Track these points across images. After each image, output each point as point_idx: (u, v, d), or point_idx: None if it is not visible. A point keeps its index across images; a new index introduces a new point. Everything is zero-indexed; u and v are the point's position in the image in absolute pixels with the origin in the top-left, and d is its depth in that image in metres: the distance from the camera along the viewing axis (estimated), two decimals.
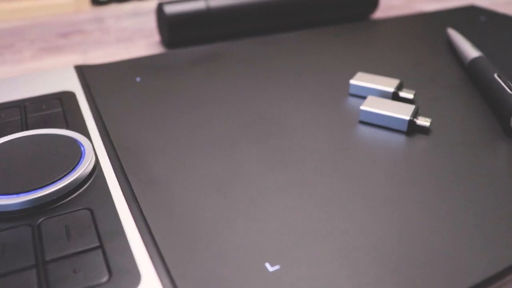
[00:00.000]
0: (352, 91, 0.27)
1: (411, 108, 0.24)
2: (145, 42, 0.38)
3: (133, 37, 0.40)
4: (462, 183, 0.20)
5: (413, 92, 0.26)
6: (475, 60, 0.30)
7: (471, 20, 0.41)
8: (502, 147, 0.23)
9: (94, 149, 0.22)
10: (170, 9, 0.35)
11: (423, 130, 0.24)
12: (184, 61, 0.32)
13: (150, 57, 0.33)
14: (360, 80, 0.27)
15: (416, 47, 0.35)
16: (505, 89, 0.25)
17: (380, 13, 0.45)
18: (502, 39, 0.37)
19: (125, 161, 0.22)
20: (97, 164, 0.21)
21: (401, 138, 0.23)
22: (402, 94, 0.26)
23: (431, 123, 0.24)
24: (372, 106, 0.24)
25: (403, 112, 0.24)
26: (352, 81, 0.27)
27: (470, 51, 0.31)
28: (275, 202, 0.19)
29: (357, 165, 0.21)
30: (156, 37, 0.39)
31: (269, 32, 0.39)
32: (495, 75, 0.27)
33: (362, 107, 0.24)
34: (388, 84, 0.26)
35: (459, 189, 0.20)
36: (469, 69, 0.30)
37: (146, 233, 0.18)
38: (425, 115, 0.25)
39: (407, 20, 0.41)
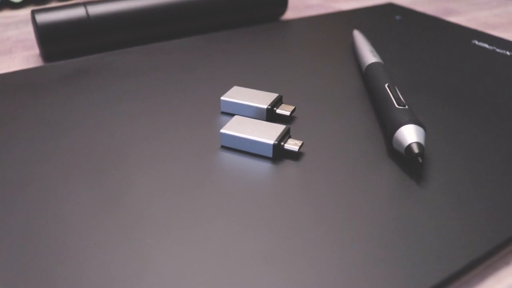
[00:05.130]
0: (224, 109, 0.24)
1: (280, 129, 0.21)
2: (24, 55, 0.34)
3: (13, 49, 0.35)
4: (332, 217, 0.17)
5: (292, 108, 0.23)
6: (370, 66, 0.27)
7: (386, 19, 0.38)
8: (383, 171, 0.20)
9: None
10: (42, 17, 0.31)
11: (293, 155, 0.20)
12: (53, 78, 0.28)
13: (14, 73, 0.29)
14: (233, 96, 0.23)
15: (317, 51, 0.31)
16: (392, 102, 0.22)
17: (295, 13, 0.42)
18: (414, 40, 0.34)
19: None
20: None
21: (265, 166, 0.20)
22: (279, 110, 0.23)
23: (301, 146, 0.20)
24: (234, 128, 0.21)
25: (268, 135, 0.20)
26: (223, 98, 0.23)
27: (368, 56, 0.28)
28: (88, 258, 0.15)
29: (208, 204, 0.18)
30: (38, 49, 0.35)
31: (163, 38, 0.35)
32: (386, 85, 0.24)
33: (223, 131, 0.21)
34: (264, 100, 0.23)
35: (328, 224, 0.16)
36: (365, 77, 0.27)
37: None
38: (301, 135, 0.22)
39: (319, 20, 0.37)
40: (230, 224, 0.17)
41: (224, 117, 0.23)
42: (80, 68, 0.29)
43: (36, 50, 0.35)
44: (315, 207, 0.18)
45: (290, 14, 0.42)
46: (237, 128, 0.21)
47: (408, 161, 0.20)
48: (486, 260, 0.16)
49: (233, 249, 0.16)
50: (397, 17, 0.38)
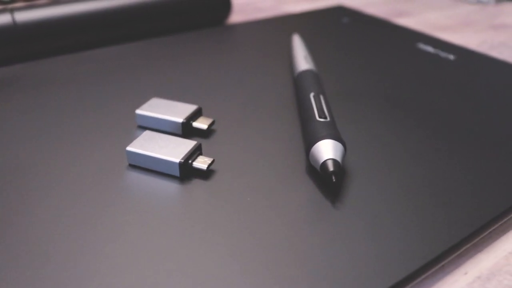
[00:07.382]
0: (140, 122, 0.22)
1: (190, 145, 0.19)
2: None
3: None
4: (241, 240, 0.16)
5: (210, 121, 0.22)
6: (300, 74, 0.25)
7: (333, 22, 0.37)
8: (299, 190, 0.18)
9: None
10: None
11: (203, 173, 0.19)
12: None
13: None
14: (149, 109, 0.22)
15: (254, 58, 0.30)
16: (314, 113, 0.21)
17: (242, 16, 0.41)
18: (357, 44, 0.33)
19: None
20: None
21: (172, 187, 0.19)
22: (196, 124, 0.22)
23: (211, 164, 0.19)
24: (141, 146, 0.19)
25: (176, 153, 0.19)
26: (138, 111, 0.22)
27: (300, 63, 0.27)
28: None
29: (108, 228, 0.16)
30: None
31: (98, 45, 0.33)
32: (311, 95, 0.23)
33: (129, 148, 0.19)
34: (181, 113, 0.22)
35: (237, 249, 0.15)
36: (295, 85, 0.26)
37: None
38: (216, 151, 0.21)
39: (265, 24, 0.36)
40: (132, 249, 0.15)
41: (140, 132, 0.22)
42: (1, 78, 0.27)
43: None
44: (223, 230, 0.16)
45: (236, 17, 0.40)
46: (145, 145, 0.19)
47: (326, 179, 0.19)
48: None
49: (135, 275, 0.14)
50: (344, 20, 0.37)
